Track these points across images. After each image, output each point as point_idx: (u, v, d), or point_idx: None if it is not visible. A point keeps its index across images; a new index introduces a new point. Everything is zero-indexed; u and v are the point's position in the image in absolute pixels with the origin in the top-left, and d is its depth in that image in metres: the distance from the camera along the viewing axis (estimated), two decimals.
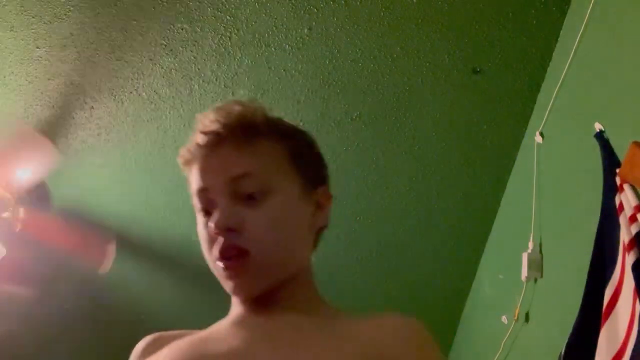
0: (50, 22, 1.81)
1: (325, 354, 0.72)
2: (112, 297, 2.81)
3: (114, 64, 1.94)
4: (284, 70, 1.95)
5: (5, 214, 2.03)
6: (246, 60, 1.92)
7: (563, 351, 1.36)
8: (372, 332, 0.75)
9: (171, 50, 1.90)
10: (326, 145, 2.12)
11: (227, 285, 0.80)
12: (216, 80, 1.98)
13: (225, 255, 0.78)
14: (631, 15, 1.39)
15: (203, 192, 0.81)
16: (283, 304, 0.81)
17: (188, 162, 0.84)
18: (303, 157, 0.86)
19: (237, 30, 1.84)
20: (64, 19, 1.80)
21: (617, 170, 1.29)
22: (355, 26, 1.81)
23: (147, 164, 2.27)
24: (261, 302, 0.81)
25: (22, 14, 1.78)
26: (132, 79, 1.99)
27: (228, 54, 1.91)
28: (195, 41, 1.87)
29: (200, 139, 0.81)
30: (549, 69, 1.87)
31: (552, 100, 1.80)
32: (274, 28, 1.83)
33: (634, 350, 1.09)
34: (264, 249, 0.78)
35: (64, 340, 2.95)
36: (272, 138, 0.83)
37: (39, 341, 2.93)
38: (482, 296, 2.51)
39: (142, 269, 2.70)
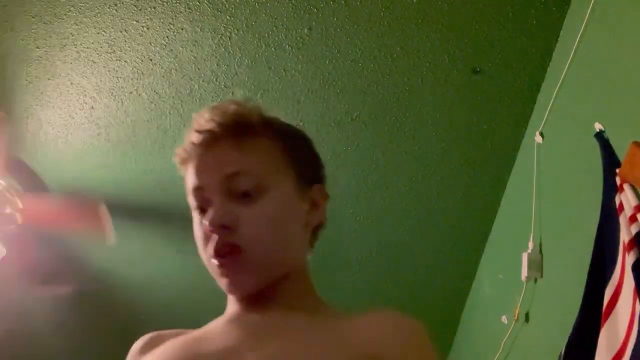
0: (50, 22, 1.81)
1: (319, 351, 0.72)
2: (112, 297, 2.81)
3: (114, 64, 1.94)
4: (284, 70, 1.95)
5: (8, 210, 2.04)
6: (246, 60, 1.92)
7: (563, 351, 1.36)
8: (370, 331, 0.75)
9: (171, 50, 1.90)
10: (326, 145, 2.15)
11: (222, 282, 0.80)
12: (216, 80, 1.98)
13: (219, 252, 0.78)
14: (631, 15, 1.39)
15: (198, 191, 0.81)
16: (278, 302, 0.82)
17: (184, 161, 0.84)
18: (298, 155, 0.87)
19: (237, 30, 1.84)
20: (64, 19, 1.80)
21: (617, 170, 1.29)
22: (355, 26, 1.81)
23: (147, 164, 2.27)
24: (256, 299, 0.81)
25: (22, 14, 1.78)
26: (132, 79, 1.99)
27: (228, 54, 1.91)
28: (195, 41, 1.87)
29: (196, 137, 0.82)
30: (549, 69, 1.87)
31: (552, 100, 1.80)
32: (274, 28, 1.83)
33: (634, 350, 1.09)
34: (258, 246, 0.78)
35: (63, 340, 2.95)
36: (267, 136, 0.84)
37: (39, 341, 2.93)
38: (482, 296, 2.51)
39: (142, 269, 2.71)
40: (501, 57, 1.86)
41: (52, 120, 2.12)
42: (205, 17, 1.80)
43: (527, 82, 1.92)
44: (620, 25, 1.45)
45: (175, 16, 1.80)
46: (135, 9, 1.78)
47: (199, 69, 1.95)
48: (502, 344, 2.03)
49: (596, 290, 1.29)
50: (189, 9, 1.78)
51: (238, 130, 0.81)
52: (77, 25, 1.82)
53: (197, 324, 0.87)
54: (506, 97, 1.98)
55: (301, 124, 2.08)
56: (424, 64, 1.90)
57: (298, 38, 1.86)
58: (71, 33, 1.84)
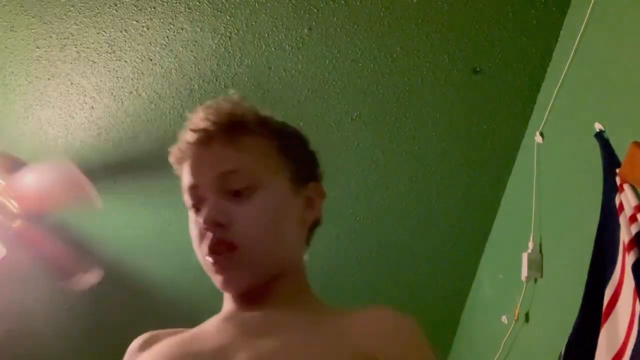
0: (50, 22, 1.81)
1: (316, 350, 0.72)
2: (112, 296, 2.81)
3: (114, 64, 1.94)
4: (284, 70, 1.95)
5: (7, 208, 2.03)
6: (246, 60, 1.93)
7: (563, 351, 1.36)
8: (369, 330, 0.74)
9: (171, 50, 1.90)
10: (326, 145, 2.14)
11: (217, 279, 0.81)
12: (216, 80, 1.98)
13: (213, 250, 0.78)
14: (631, 15, 1.39)
15: (193, 189, 0.82)
16: (273, 300, 0.81)
17: (179, 161, 0.85)
18: (293, 153, 0.87)
19: (237, 30, 1.84)
20: (64, 19, 1.80)
21: (617, 170, 1.29)
22: (355, 26, 1.82)
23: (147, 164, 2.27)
24: (251, 297, 0.81)
25: (22, 14, 1.78)
26: (132, 79, 1.99)
27: (228, 54, 1.91)
28: (195, 41, 1.87)
29: (190, 136, 0.82)
30: (549, 69, 1.87)
31: (552, 100, 1.80)
32: (274, 28, 1.83)
33: (634, 350, 1.09)
34: (252, 243, 0.79)
35: (63, 340, 2.95)
36: (262, 134, 0.84)
37: (39, 341, 2.93)
38: (482, 296, 2.51)
39: (143, 268, 2.70)
40: (501, 57, 1.86)
41: (52, 120, 2.12)
42: (205, 17, 1.80)
43: (527, 82, 1.92)
44: (620, 25, 1.45)
45: (175, 16, 1.80)
46: (135, 9, 1.78)
47: (199, 69, 1.95)
48: (502, 344, 2.03)
49: (596, 290, 1.29)
50: (189, 9, 1.78)
51: (232, 128, 0.82)
52: (77, 25, 1.82)
53: (199, 323, 0.87)
54: (506, 97, 1.98)
55: (301, 124, 2.07)
56: (424, 64, 1.90)
57: (298, 38, 1.86)
58: (71, 33, 1.84)
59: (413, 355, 0.73)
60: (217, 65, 1.94)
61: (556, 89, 1.77)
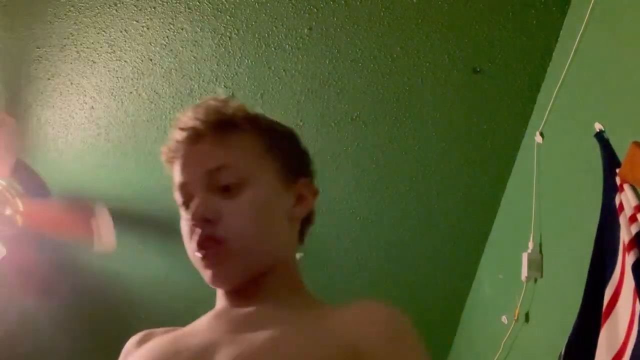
0: (50, 22, 1.81)
1: (296, 342, 0.72)
2: (112, 295, 2.81)
3: (114, 64, 1.94)
4: (284, 70, 1.95)
5: (8, 212, 2.04)
6: (246, 60, 1.93)
7: (563, 351, 1.36)
8: (350, 320, 0.74)
9: (171, 50, 1.90)
10: (326, 145, 2.15)
11: (206, 274, 0.81)
12: (216, 80, 1.98)
13: (202, 245, 0.79)
14: (631, 15, 1.39)
15: (183, 187, 0.83)
16: (264, 296, 0.82)
17: (170, 160, 0.86)
18: (282, 149, 0.87)
19: (237, 30, 1.84)
20: (64, 19, 1.80)
21: (617, 170, 1.29)
22: (355, 26, 1.81)
23: (147, 164, 2.27)
24: (242, 294, 0.82)
25: (22, 14, 1.78)
26: (132, 79, 1.99)
27: (228, 54, 1.91)
28: (195, 41, 1.87)
29: (180, 135, 0.84)
30: (549, 69, 1.87)
31: (552, 100, 1.80)
32: (274, 28, 1.83)
33: (634, 350, 1.09)
34: (241, 237, 0.79)
35: (63, 340, 2.95)
36: (250, 132, 0.85)
37: (39, 341, 2.93)
38: (482, 296, 2.51)
39: (142, 269, 2.71)
40: (501, 57, 1.86)
41: (52, 120, 2.12)
42: (205, 17, 1.80)
43: (527, 82, 1.92)
44: (620, 25, 1.45)
45: (175, 16, 1.80)
46: (135, 9, 1.78)
47: (199, 69, 1.95)
48: (502, 344, 2.03)
49: (596, 290, 1.29)
50: (189, 9, 1.78)
51: (221, 126, 0.83)
52: (77, 25, 1.82)
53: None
54: (506, 97, 1.98)
55: (301, 124, 2.08)
56: (424, 64, 1.90)
57: (298, 38, 1.86)
58: (71, 33, 1.84)
59: (398, 344, 0.73)
60: (217, 65, 1.94)
61: (556, 89, 1.77)
